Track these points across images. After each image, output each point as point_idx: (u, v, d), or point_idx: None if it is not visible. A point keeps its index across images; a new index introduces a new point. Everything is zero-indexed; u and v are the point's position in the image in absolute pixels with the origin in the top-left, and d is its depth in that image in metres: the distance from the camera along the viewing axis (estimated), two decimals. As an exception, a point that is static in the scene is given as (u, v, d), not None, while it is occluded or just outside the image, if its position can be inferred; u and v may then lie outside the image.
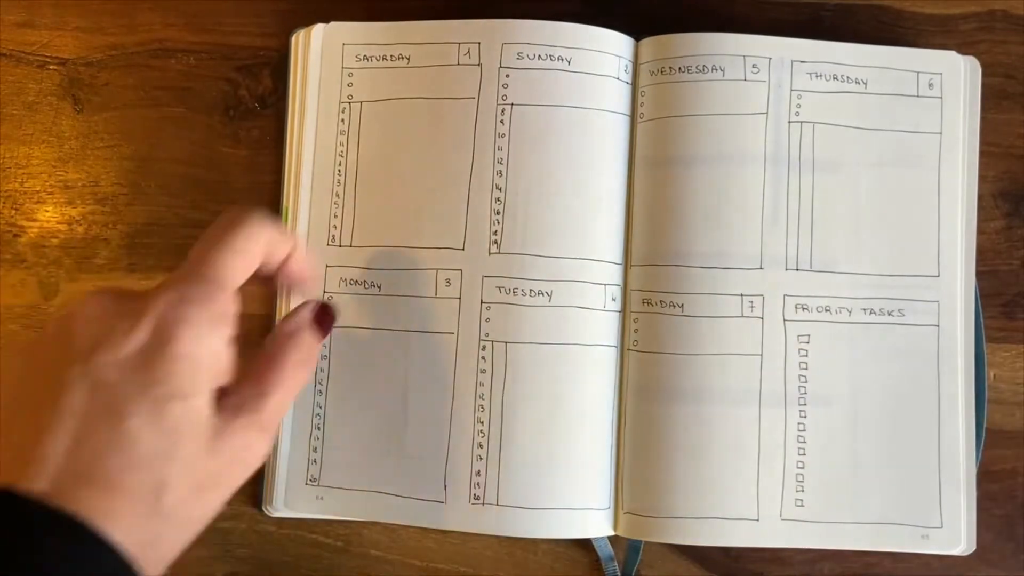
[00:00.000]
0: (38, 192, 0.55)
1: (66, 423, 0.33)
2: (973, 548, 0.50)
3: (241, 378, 0.38)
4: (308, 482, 0.52)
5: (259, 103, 0.55)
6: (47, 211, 0.55)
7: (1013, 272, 0.54)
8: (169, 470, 0.34)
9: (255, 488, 0.53)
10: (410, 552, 0.53)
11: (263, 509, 0.52)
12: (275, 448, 0.52)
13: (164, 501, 0.34)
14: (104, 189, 0.55)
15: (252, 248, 0.39)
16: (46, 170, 0.55)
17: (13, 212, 0.55)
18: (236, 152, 0.55)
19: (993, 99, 0.53)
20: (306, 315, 0.42)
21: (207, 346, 0.36)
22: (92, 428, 0.33)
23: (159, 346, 0.35)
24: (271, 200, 0.54)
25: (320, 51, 0.53)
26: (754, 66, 0.51)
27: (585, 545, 0.53)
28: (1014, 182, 0.54)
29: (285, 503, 0.52)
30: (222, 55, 0.55)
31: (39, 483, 0.32)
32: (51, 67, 0.55)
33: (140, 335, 0.35)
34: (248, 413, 0.37)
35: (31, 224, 0.55)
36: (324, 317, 0.42)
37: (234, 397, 0.37)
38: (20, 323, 0.54)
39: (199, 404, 0.35)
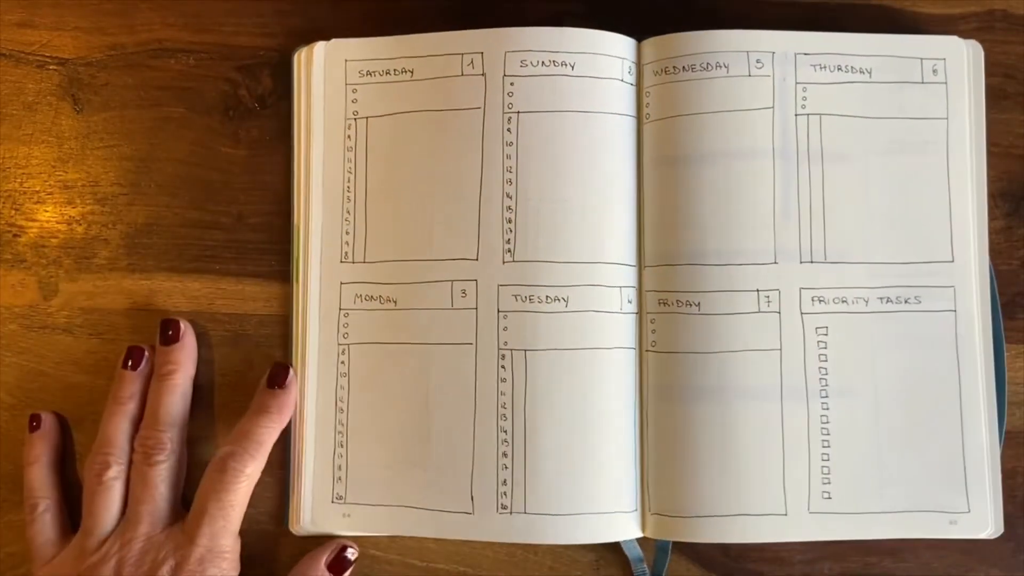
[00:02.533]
0: (38, 192, 0.54)
1: None
2: (1001, 531, 0.50)
3: None
4: (334, 500, 0.51)
5: (259, 103, 0.54)
6: (47, 211, 0.54)
7: (1013, 272, 0.54)
8: None
9: (280, 509, 0.52)
10: (410, 552, 0.52)
11: (289, 529, 0.51)
12: (299, 468, 0.51)
13: None
14: (104, 189, 0.54)
15: (242, 502, 0.50)
16: (46, 170, 0.54)
17: (13, 212, 0.54)
18: (236, 152, 0.54)
19: (993, 99, 0.54)
20: (320, 566, 0.51)
21: None
22: None
23: None
24: (271, 200, 0.54)
25: (323, 68, 0.53)
26: (758, 61, 0.52)
27: (585, 545, 0.52)
28: (1014, 182, 0.54)
29: (312, 522, 0.51)
30: (222, 55, 0.55)
31: None
32: (51, 67, 0.54)
33: None
34: None
35: (31, 224, 0.54)
36: (340, 565, 0.51)
37: None
38: (20, 323, 0.53)
39: None
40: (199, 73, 0.55)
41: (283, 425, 0.51)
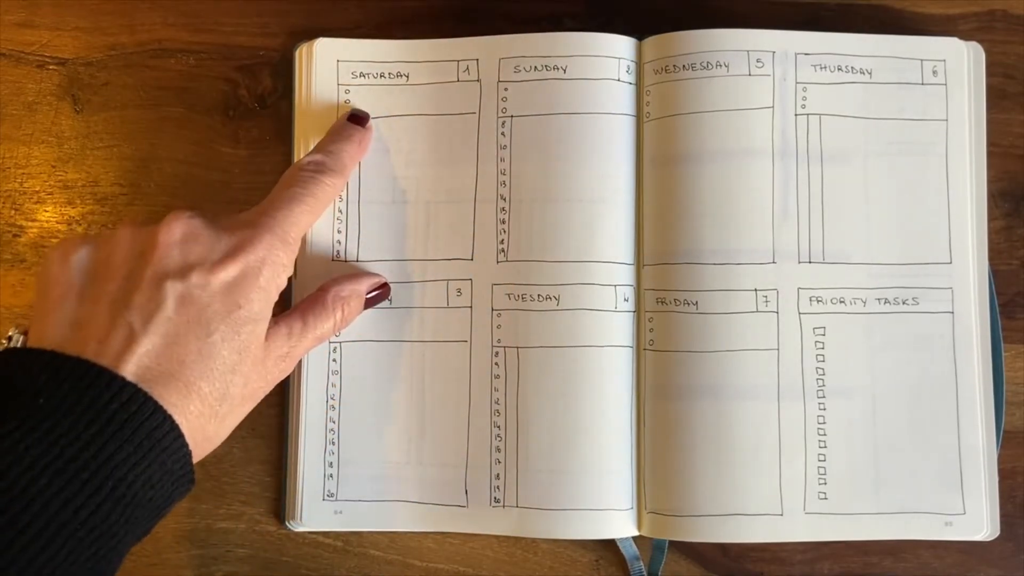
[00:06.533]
0: (38, 192, 0.54)
1: (160, 329, 0.40)
2: (997, 533, 0.50)
3: (291, 312, 0.47)
4: (326, 497, 0.51)
5: (259, 103, 0.55)
6: (47, 211, 0.54)
7: (1013, 272, 0.54)
8: (233, 381, 0.41)
9: (276, 504, 0.53)
10: (410, 552, 0.53)
11: (286, 524, 0.52)
12: (294, 465, 0.51)
13: (222, 407, 0.41)
14: (104, 189, 0.54)
15: (319, 210, 0.47)
16: (46, 170, 0.54)
17: (13, 212, 0.54)
18: (236, 152, 0.54)
19: (993, 99, 0.53)
20: (362, 289, 0.50)
21: (278, 285, 0.44)
22: (182, 338, 0.40)
23: (245, 278, 0.42)
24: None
25: (318, 66, 0.53)
26: (758, 60, 0.52)
27: (585, 545, 0.52)
28: (1014, 182, 0.54)
29: (305, 520, 0.51)
30: (222, 55, 0.55)
31: (130, 375, 0.38)
32: (51, 67, 0.54)
33: (232, 269, 0.42)
34: (290, 346, 0.45)
35: (31, 224, 0.54)
36: (376, 298, 0.51)
37: (282, 327, 0.45)
38: (20, 323, 0.52)
39: (263, 329, 0.43)
40: (199, 73, 0.55)
41: (361, 156, 0.51)
